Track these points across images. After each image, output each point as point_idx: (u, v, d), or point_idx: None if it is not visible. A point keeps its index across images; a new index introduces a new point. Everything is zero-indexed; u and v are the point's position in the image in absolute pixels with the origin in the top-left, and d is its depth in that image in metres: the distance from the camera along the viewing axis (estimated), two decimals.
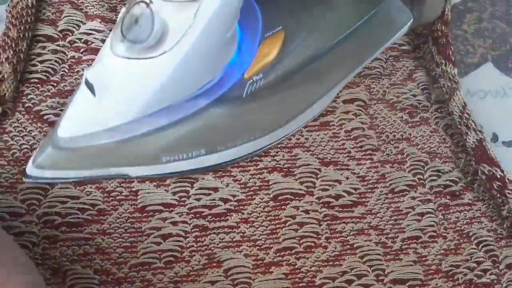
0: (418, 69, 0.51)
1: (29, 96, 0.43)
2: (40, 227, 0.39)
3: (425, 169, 0.46)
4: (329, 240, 0.42)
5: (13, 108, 0.43)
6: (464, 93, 0.48)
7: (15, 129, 0.42)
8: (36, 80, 0.44)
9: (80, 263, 0.38)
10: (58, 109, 0.43)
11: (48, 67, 0.44)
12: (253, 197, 0.42)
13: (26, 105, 0.43)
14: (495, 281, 0.42)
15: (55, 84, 0.44)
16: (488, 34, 0.54)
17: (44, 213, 0.39)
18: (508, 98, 0.51)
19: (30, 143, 0.41)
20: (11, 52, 0.42)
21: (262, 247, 0.41)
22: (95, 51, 0.46)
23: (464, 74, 0.52)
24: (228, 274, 0.39)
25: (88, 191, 0.40)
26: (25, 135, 0.42)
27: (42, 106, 0.43)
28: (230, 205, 0.42)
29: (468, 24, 0.55)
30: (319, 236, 0.42)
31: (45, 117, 0.43)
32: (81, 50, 0.46)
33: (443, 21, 0.50)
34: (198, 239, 0.40)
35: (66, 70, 0.45)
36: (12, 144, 0.41)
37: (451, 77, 0.47)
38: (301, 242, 0.41)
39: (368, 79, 0.49)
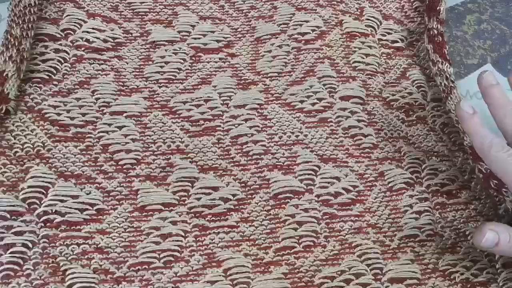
0: (412, 67, 0.48)
1: (32, 96, 0.41)
2: (40, 226, 0.36)
3: (422, 167, 0.43)
4: (327, 239, 0.39)
5: (15, 107, 0.40)
6: (463, 94, 0.46)
7: (17, 128, 0.39)
8: (39, 80, 0.42)
9: (79, 262, 0.35)
10: (60, 108, 0.41)
11: (50, 66, 0.42)
12: (253, 196, 0.40)
13: (28, 104, 0.41)
14: (491, 280, 0.39)
15: (57, 83, 0.42)
16: (488, 36, 0.52)
17: (45, 212, 0.36)
18: None
19: (32, 141, 0.39)
20: (15, 51, 0.40)
21: (262, 246, 0.38)
22: (97, 50, 0.44)
23: (463, 75, 0.49)
24: (228, 274, 0.37)
25: (87, 190, 0.38)
26: (27, 134, 0.39)
27: (44, 105, 0.41)
28: (230, 204, 0.39)
29: (467, 25, 0.52)
30: (318, 235, 0.39)
31: (47, 116, 0.40)
32: (83, 49, 0.44)
33: (439, 19, 0.47)
34: (197, 239, 0.37)
35: (68, 69, 0.43)
36: (15, 143, 0.39)
37: (448, 76, 0.45)
38: (300, 241, 0.38)
39: (364, 74, 0.46)
